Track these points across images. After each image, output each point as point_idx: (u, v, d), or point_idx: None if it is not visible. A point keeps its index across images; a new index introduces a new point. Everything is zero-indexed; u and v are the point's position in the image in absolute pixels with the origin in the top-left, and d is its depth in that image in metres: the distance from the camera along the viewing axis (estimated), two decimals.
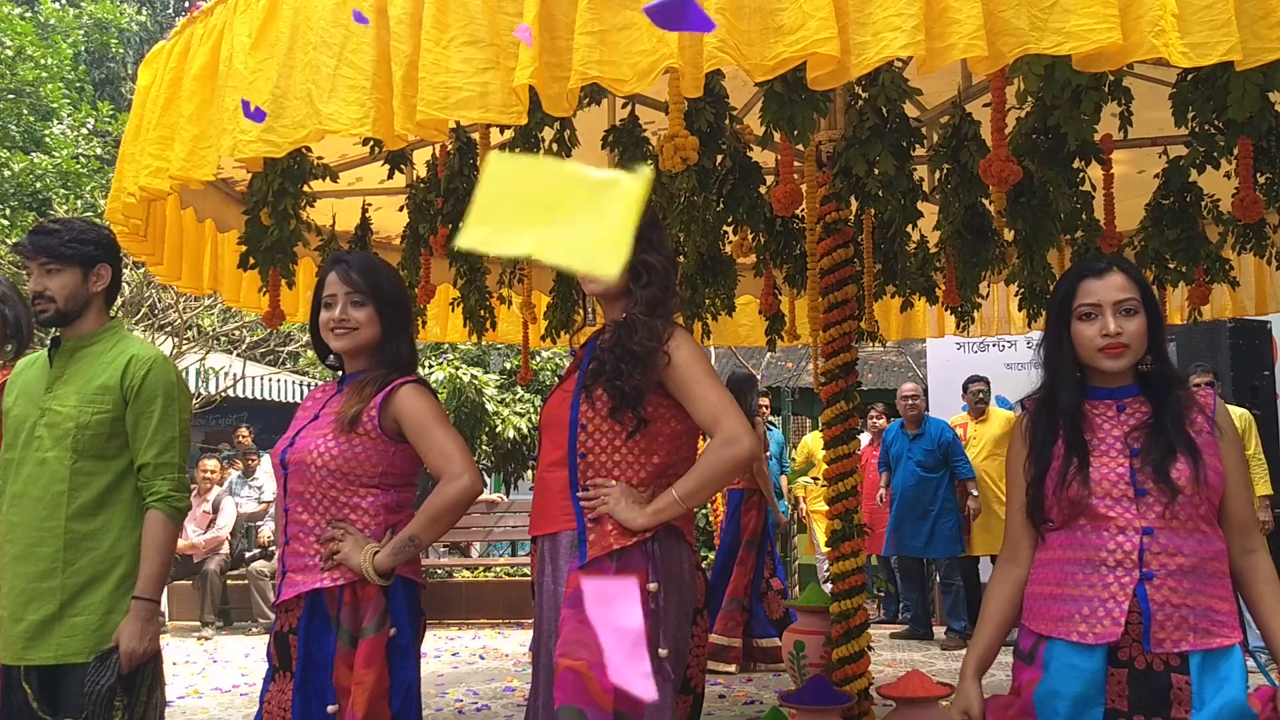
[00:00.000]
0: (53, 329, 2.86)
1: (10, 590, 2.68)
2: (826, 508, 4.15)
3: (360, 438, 2.49)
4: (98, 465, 2.70)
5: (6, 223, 10.63)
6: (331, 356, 2.70)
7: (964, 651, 6.19)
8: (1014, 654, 2.17)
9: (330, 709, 2.39)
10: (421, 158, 4.54)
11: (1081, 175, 3.57)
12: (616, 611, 2.23)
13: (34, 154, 11.90)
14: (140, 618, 2.65)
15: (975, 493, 7.29)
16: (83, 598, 2.65)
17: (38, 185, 11.42)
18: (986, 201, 4.04)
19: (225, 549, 9.09)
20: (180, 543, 8.37)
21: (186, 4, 20.01)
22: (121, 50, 17.15)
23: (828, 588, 4.19)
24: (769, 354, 11.88)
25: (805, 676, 4.29)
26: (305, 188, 3.78)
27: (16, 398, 2.81)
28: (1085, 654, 1.99)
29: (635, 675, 2.24)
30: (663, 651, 2.31)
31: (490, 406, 10.99)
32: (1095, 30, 2.13)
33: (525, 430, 11.18)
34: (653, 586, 2.32)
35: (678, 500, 2.36)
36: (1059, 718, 1.99)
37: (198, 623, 8.47)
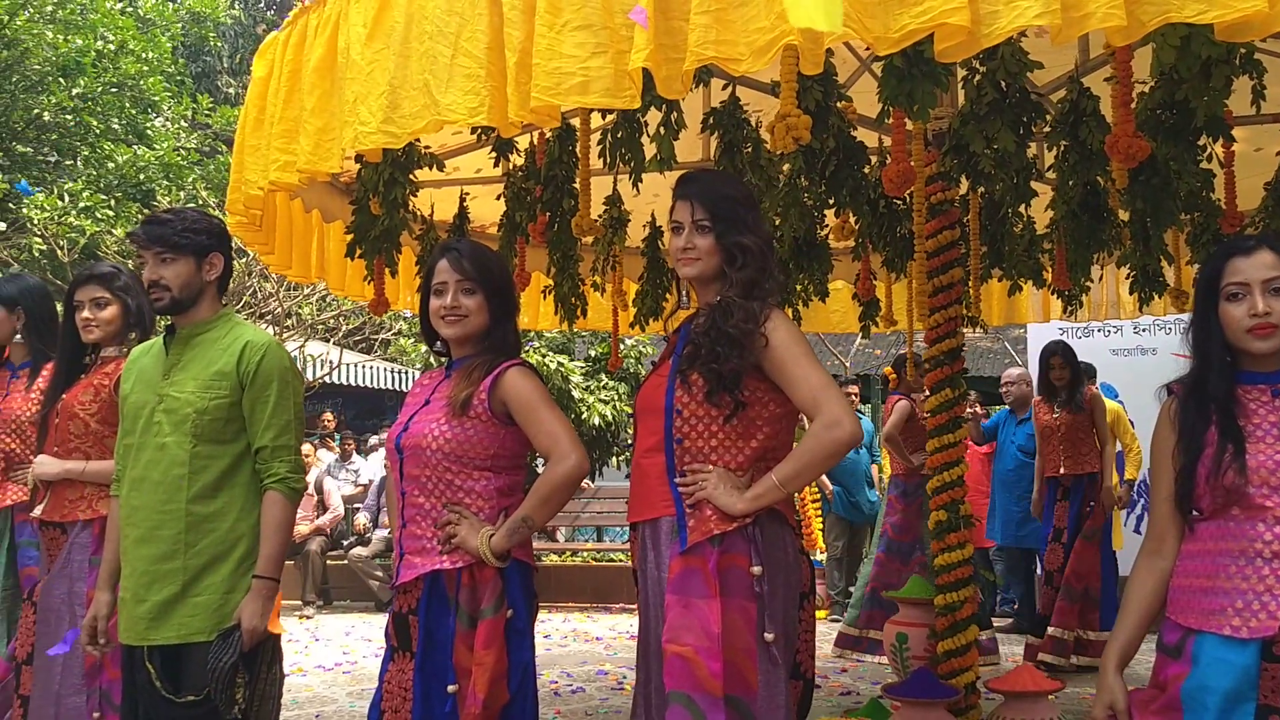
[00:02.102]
0: (168, 317, 2.93)
1: (132, 572, 2.75)
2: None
3: (472, 421, 2.52)
4: (216, 449, 2.76)
5: (112, 214, 10.97)
6: (438, 343, 2.73)
7: None
8: (1158, 647, 2.09)
9: (450, 688, 2.42)
10: (519, 145, 4.55)
11: (1208, 152, 3.42)
12: (711, 598, 2.23)
13: (136, 146, 12.27)
14: (261, 596, 2.71)
15: None
16: (204, 578, 2.71)
17: (141, 177, 11.77)
18: (1104, 180, 3.90)
19: (323, 530, 9.32)
20: (303, 527, 8.69)
21: None
22: (219, 44, 17.58)
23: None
24: (858, 341, 11.73)
25: (909, 669, 4.21)
26: (410, 177, 3.81)
27: (134, 384, 2.88)
28: (1238, 648, 1.92)
29: (742, 659, 2.23)
30: (768, 635, 2.28)
31: (575, 394, 11.07)
32: None
33: (610, 417, 11.23)
34: (756, 570, 2.29)
35: (777, 485, 2.33)
36: (1208, 713, 1.91)
37: (299, 602, 8.69)
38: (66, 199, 10.68)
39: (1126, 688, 2.12)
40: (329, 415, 11.38)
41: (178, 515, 2.71)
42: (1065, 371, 6.20)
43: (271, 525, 2.76)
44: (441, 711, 2.43)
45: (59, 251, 10.17)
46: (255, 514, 2.78)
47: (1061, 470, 6.20)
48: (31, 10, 11.89)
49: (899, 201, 4.28)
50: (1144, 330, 7.97)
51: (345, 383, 12.82)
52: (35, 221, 10.25)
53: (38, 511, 3.48)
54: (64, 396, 3.37)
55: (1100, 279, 6.24)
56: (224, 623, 2.68)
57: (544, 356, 10.81)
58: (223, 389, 2.76)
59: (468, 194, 4.93)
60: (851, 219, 4.36)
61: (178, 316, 2.86)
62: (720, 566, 2.27)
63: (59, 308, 3.92)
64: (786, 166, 3.80)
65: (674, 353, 2.46)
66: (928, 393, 4.02)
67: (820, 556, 8.35)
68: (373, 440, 11.18)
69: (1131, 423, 7.02)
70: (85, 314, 3.35)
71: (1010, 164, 3.24)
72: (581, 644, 7.27)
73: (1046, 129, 3.67)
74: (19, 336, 3.87)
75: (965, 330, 4.07)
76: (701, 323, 2.39)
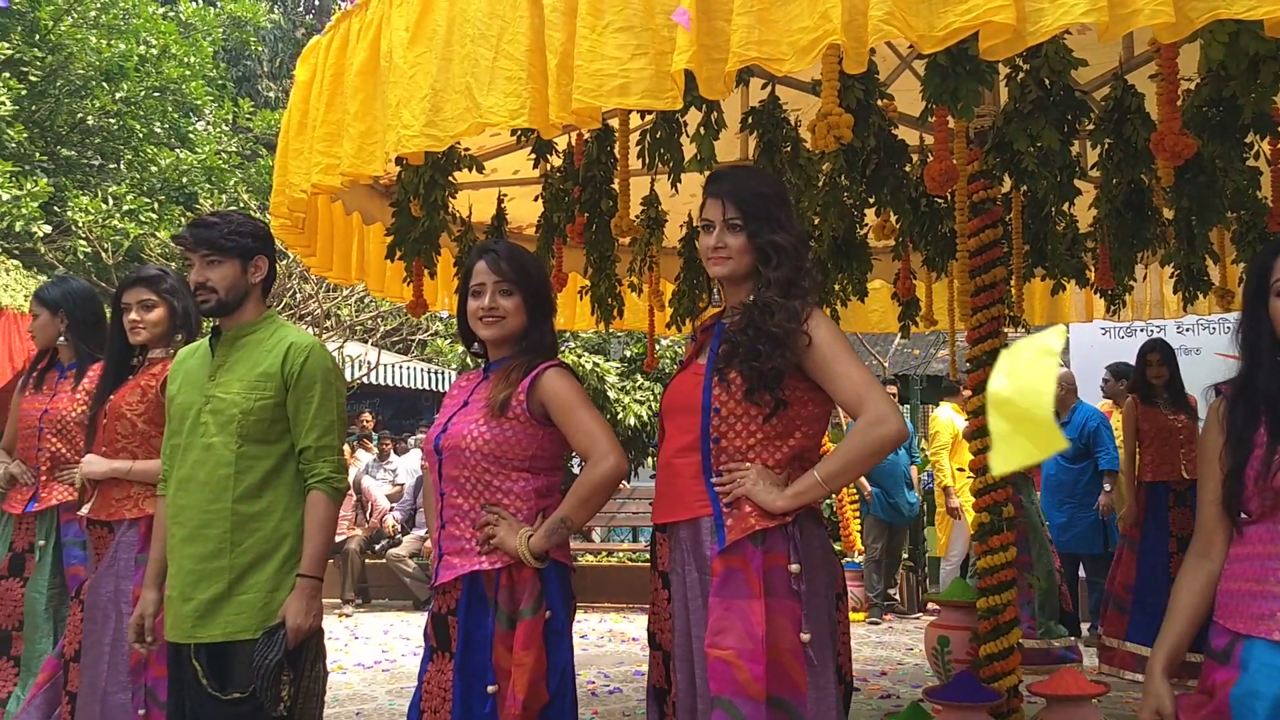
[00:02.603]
0: (213, 319, 2.96)
1: (179, 571, 2.78)
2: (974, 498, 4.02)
3: (510, 421, 2.52)
4: (261, 449, 2.79)
5: (155, 217, 11.14)
6: (475, 344, 2.74)
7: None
8: (1205, 652, 2.06)
9: (490, 689, 2.42)
10: (558, 145, 4.56)
11: (1256, 150, 3.36)
12: (755, 599, 2.21)
13: (179, 150, 12.44)
14: (305, 594, 2.73)
15: (1108, 487, 6.88)
16: (249, 576, 2.74)
17: (183, 181, 11.94)
18: (1149, 178, 3.84)
19: (362, 529, 9.40)
20: (344, 524, 8.78)
21: (316, 1, 20.55)
22: (259, 48, 17.77)
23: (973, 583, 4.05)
24: (897, 341, 11.65)
25: (950, 672, 4.18)
26: (450, 178, 3.83)
27: (180, 385, 2.92)
28: None
29: (789, 660, 2.21)
30: (805, 636, 2.26)
31: (611, 394, 11.09)
32: None
33: (645, 417, 11.23)
34: (794, 569, 2.28)
35: (820, 482, 2.31)
36: (1257, 719, 1.87)
37: (339, 600, 8.77)
38: (110, 202, 10.86)
39: (1173, 692, 2.09)
40: (368, 416, 11.48)
41: (224, 515, 2.75)
42: (1164, 369, 5.84)
43: (315, 524, 2.78)
44: (481, 712, 2.43)
45: (103, 254, 10.33)
46: (299, 513, 2.80)
47: (1185, 474, 5.75)
48: (76, 15, 12.08)
49: (940, 200, 4.24)
50: (1188, 330, 7.85)
51: (383, 383, 12.92)
52: (80, 224, 10.43)
53: (85, 510, 3.53)
54: (111, 397, 3.43)
55: (1144, 278, 6.15)
56: (269, 621, 2.71)
57: (579, 357, 10.85)
58: (268, 390, 2.79)
59: (505, 195, 4.95)
60: (892, 218, 4.33)
61: (223, 318, 2.90)
62: (765, 566, 2.25)
63: (105, 310, 3.99)
64: (826, 165, 3.77)
65: (705, 351, 2.44)
66: (969, 393, 3.98)
67: (858, 559, 8.29)
68: (411, 441, 11.27)
69: None
70: (133, 316, 3.40)
71: (1054, 162, 3.19)
72: (618, 644, 7.27)
73: (1090, 127, 3.63)
74: (63, 339, 3.94)
75: (1007, 330, 4.03)
76: (738, 321, 2.37)
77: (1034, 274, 5.19)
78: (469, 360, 2.86)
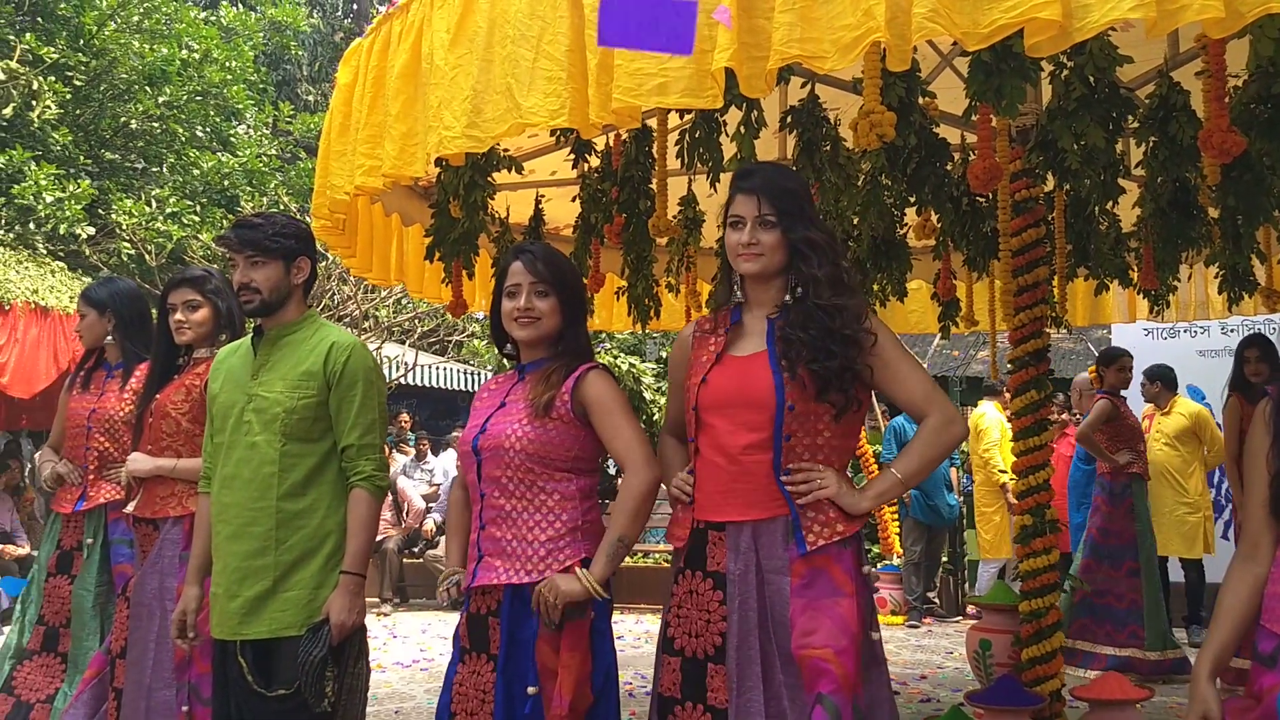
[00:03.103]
0: (256, 319, 2.99)
1: (224, 568, 2.80)
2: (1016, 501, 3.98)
3: (554, 422, 2.52)
4: (304, 447, 2.81)
5: (197, 219, 11.28)
6: (508, 345, 2.73)
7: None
8: (1253, 656, 2.02)
9: (530, 690, 2.42)
10: (596, 145, 4.57)
11: None
12: (848, 597, 2.21)
13: (221, 153, 12.60)
14: (349, 591, 2.76)
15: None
16: (294, 573, 2.76)
17: (225, 183, 12.08)
18: (1195, 176, 3.79)
19: (399, 528, 9.47)
20: (382, 524, 8.85)
21: (355, 5, 20.72)
22: (299, 52, 17.96)
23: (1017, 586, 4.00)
24: (936, 341, 11.55)
25: (992, 676, 4.13)
26: (489, 179, 3.85)
27: (222, 384, 2.95)
28: None
29: (866, 658, 2.23)
30: (875, 635, 2.31)
31: (647, 395, 11.09)
32: None
33: None
34: (866, 569, 2.33)
35: (900, 480, 2.34)
36: None
37: (377, 599, 8.83)
38: (153, 205, 11.01)
39: (1219, 697, 2.05)
40: (405, 416, 11.55)
41: (268, 512, 2.77)
42: (1263, 366, 5.55)
43: (359, 522, 2.81)
44: (522, 713, 2.43)
45: (147, 256, 10.48)
46: (341, 511, 2.83)
47: None
48: (119, 21, 12.26)
49: (981, 199, 4.20)
50: (1232, 331, 7.70)
51: (419, 384, 13.00)
52: (124, 227, 10.59)
53: (130, 508, 3.58)
54: (157, 396, 3.47)
55: (1189, 278, 6.05)
56: (313, 617, 2.73)
57: (615, 358, 10.86)
58: (310, 389, 2.82)
59: (543, 196, 4.97)
60: (933, 217, 4.29)
61: (266, 318, 2.92)
62: (855, 566, 2.29)
63: (151, 310, 4.04)
64: (866, 164, 3.75)
65: (739, 344, 2.41)
66: (1010, 395, 3.94)
67: (897, 562, 8.23)
68: (448, 440, 11.33)
69: (1219, 426, 6.80)
70: (178, 316, 3.44)
71: (1098, 160, 3.16)
72: (654, 645, 7.26)
73: (1135, 124, 3.58)
74: (110, 338, 3.99)
75: (1049, 330, 3.98)
76: (793, 319, 2.33)
77: (1077, 274, 5.13)
78: (505, 361, 2.84)
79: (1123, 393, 6.23)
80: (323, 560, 2.78)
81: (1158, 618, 5.84)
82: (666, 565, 9.37)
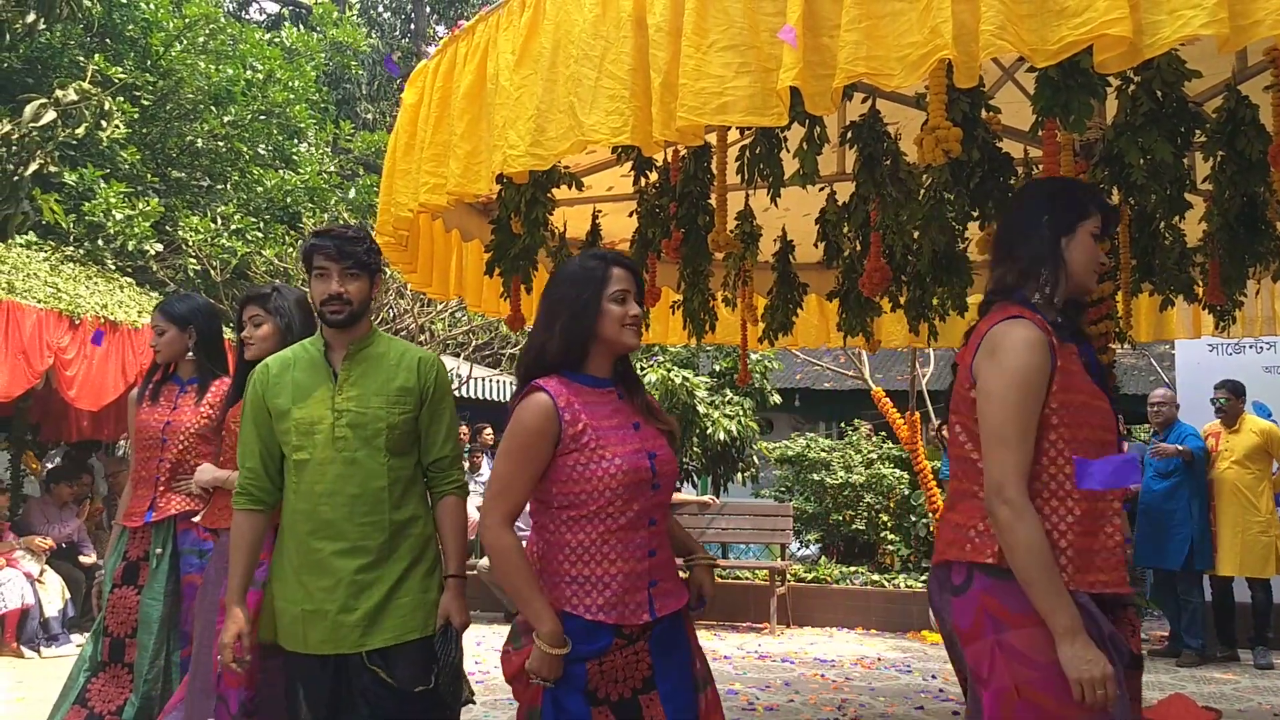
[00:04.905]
0: (339, 329, 2.99)
1: (336, 584, 2.77)
2: None
3: None
4: (403, 460, 2.89)
5: (261, 235, 11.53)
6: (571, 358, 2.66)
7: (1202, 670, 5.60)
8: None
9: None
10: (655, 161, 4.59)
11: None
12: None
13: (283, 171, 12.86)
14: (460, 594, 2.87)
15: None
16: (406, 581, 2.83)
17: (287, 200, 12.33)
18: (1264, 191, 3.72)
19: None
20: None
21: (412, 25, 21.02)
22: (359, 72, 18.28)
23: None
24: None
25: None
26: (549, 195, 3.89)
27: (293, 399, 2.86)
28: None
29: None
30: None
31: (701, 408, 11.08)
32: None
33: (735, 432, 11.19)
34: None
35: None
36: None
37: None
38: (219, 221, 11.27)
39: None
40: (464, 428, 11.66)
41: (383, 526, 2.82)
42: None
43: (458, 527, 2.94)
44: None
45: (212, 271, 10.71)
46: (431, 517, 2.94)
47: None
48: (185, 42, 12.59)
49: None
50: None
51: (474, 396, 13.12)
52: (190, 243, 10.84)
53: (198, 518, 3.65)
54: (230, 410, 3.55)
55: (1256, 293, 5.94)
56: (428, 619, 2.81)
57: (669, 371, 10.86)
58: (408, 404, 2.88)
59: (600, 211, 5.00)
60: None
61: (341, 331, 2.90)
62: None
63: (224, 325, 4.13)
64: (927, 179, 3.74)
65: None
66: None
67: None
68: None
69: None
70: (245, 332, 3.52)
71: (1164, 175, 3.11)
72: (710, 663, 7.23)
73: (1202, 139, 3.53)
74: (190, 354, 4.07)
75: (1114, 346, 3.93)
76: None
77: (1141, 289, 5.05)
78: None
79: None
80: (429, 565, 2.88)
81: None
82: (720, 581, 9.31)
